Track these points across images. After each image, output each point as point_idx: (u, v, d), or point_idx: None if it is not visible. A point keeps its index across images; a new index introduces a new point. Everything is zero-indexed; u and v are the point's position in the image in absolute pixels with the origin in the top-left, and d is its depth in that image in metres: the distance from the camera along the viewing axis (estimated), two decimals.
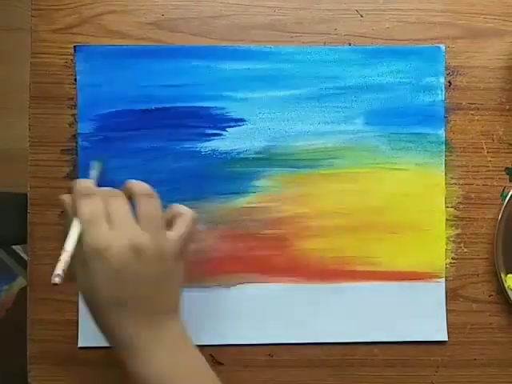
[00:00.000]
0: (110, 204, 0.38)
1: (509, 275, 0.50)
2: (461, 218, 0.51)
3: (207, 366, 0.41)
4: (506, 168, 0.51)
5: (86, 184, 0.40)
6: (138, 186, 0.40)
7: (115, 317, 0.38)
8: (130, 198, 0.40)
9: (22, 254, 1.02)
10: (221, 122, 0.50)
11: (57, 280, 0.35)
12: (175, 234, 0.40)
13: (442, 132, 0.50)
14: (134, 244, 0.37)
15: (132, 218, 0.38)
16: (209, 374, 0.40)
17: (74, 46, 0.50)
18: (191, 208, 0.49)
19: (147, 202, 0.39)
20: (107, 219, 0.38)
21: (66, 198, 0.41)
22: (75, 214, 0.38)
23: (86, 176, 0.48)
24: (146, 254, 0.37)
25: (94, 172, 0.47)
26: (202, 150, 0.50)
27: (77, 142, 0.50)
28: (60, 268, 0.36)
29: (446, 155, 0.50)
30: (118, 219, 0.38)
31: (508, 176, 0.51)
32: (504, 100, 0.51)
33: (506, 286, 0.50)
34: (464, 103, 0.51)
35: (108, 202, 0.39)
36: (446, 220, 0.50)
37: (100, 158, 0.48)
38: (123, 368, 0.39)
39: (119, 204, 0.39)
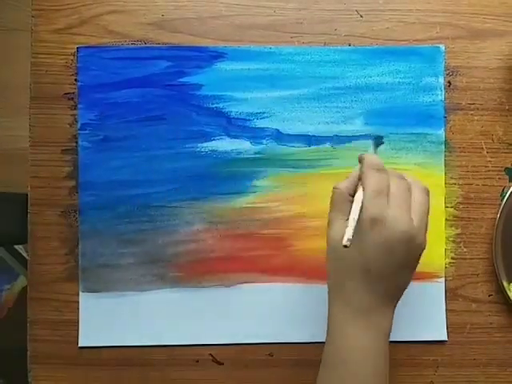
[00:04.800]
0: (393, 182, 0.40)
1: None
2: (460, 217, 0.51)
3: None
4: (506, 168, 0.51)
5: (377, 160, 0.41)
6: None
7: (363, 279, 0.39)
8: None
9: (24, 254, 1.02)
10: (221, 122, 0.50)
11: (348, 243, 0.37)
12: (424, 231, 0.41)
13: (441, 132, 0.50)
14: (407, 230, 0.38)
15: (407, 201, 0.40)
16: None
17: (76, 47, 0.50)
18: (191, 208, 0.50)
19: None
20: (388, 195, 0.39)
21: (355, 169, 0.43)
22: (362, 184, 0.40)
23: (86, 175, 0.49)
24: (414, 242, 0.39)
25: (372, 150, 0.49)
26: (202, 149, 0.50)
27: (77, 142, 0.50)
28: (350, 232, 0.37)
29: (445, 155, 0.50)
30: (394, 197, 0.39)
31: (507, 176, 0.51)
32: (504, 100, 0.51)
33: (510, 295, 0.50)
34: (463, 103, 0.51)
35: (391, 180, 0.40)
36: (446, 220, 0.51)
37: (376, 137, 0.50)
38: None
39: (400, 184, 0.40)
